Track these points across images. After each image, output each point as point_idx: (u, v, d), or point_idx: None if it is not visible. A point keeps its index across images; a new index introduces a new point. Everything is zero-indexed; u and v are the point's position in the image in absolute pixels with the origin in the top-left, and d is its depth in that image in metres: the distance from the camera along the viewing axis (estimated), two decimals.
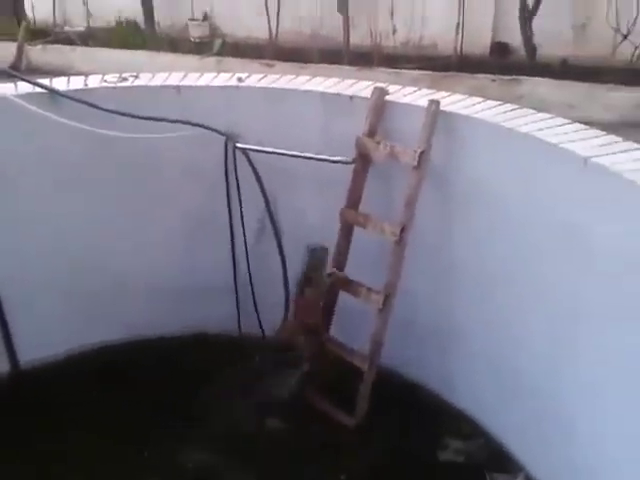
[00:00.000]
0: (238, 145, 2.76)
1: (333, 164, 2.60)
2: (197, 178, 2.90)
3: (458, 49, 6.26)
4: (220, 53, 6.62)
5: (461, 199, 2.47)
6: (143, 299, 3.03)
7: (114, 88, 2.87)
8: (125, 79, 3.00)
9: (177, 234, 3.01)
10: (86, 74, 3.06)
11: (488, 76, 5.74)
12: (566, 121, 2.32)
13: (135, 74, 3.04)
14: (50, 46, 7.08)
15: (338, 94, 2.74)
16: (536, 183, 2.17)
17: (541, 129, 2.24)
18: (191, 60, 6.45)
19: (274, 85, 2.90)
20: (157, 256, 3.00)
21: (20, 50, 6.71)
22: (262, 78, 3.00)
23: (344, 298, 2.72)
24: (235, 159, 2.80)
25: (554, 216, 2.11)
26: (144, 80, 2.97)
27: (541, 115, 2.38)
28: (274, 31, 6.65)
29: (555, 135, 2.17)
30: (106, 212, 2.90)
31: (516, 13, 5.96)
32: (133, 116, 2.65)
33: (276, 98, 2.83)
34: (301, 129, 2.74)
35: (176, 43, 6.83)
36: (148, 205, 2.94)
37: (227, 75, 3.06)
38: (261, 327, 3.04)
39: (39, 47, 6.99)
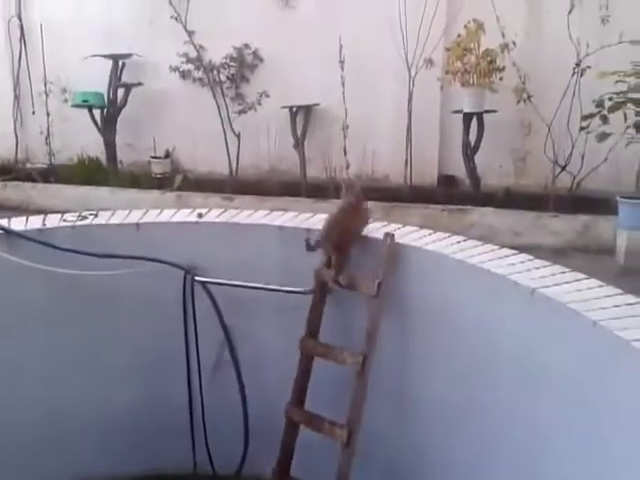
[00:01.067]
0: (197, 278, 2.76)
1: (293, 294, 2.61)
2: (155, 312, 2.86)
3: (408, 181, 6.55)
4: (181, 188, 6.78)
5: (419, 328, 2.47)
6: (94, 438, 2.88)
7: (73, 227, 2.89)
8: (84, 217, 3.03)
9: (132, 370, 2.91)
10: (45, 211, 3.08)
11: (438, 206, 5.98)
12: (514, 252, 2.40)
13: (94, 212, 3.07)
14: (10, 183, 7.14)
15: (295, 227, 2.81)
16: (488, 312, 2.20)
17: (491, 260, 2.30)
18: (153, 195, 6.57)
19: (234, 220, 2.96)
20: (110, 392, 2.88)
21: None
22: (222, 213, 3.07)
23: (306, 434, 2.62)
24: (193, 292, 2.79)
25: (507, 345, 2.12)
26: (103, 218, 2.99)
27: (490, 246, 2.46)
28: (234, 166, 6.89)
29: (503, 267, 2.23)
30: (60, 347, 2.80)
31: (460, 149, 6.33)
32: (91, 254, 2.65)
33: (235, 232, 2.87)
34: (260, 261, 2.77)
35: (138, 179, 6.98)
36: (104, 340, 2.86)
37: (187, 210, 3.11)
38: (212, 465, 2.90)
39: None
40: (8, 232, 2.74)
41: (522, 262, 2.29)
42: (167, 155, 7.26)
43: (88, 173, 7.19)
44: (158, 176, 7.09)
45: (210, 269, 2.77)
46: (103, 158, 7.38)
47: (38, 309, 2.75)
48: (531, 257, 2.34)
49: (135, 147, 7.45)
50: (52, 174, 7.32)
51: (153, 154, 7.24)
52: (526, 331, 2.05)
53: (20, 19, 7.59)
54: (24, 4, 7.59)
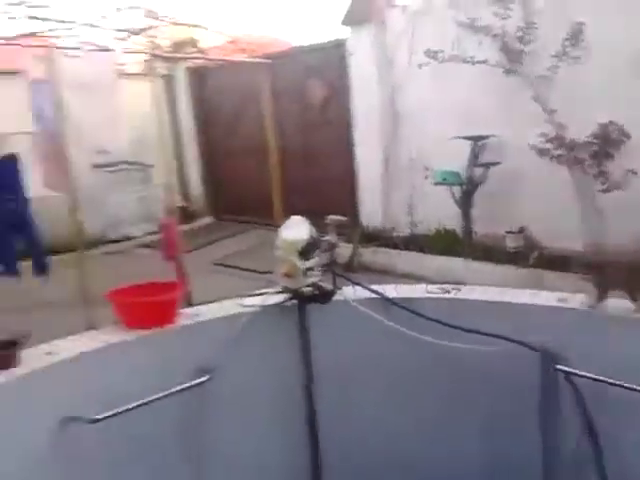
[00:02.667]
0: (558, 367, 2.60)
1: None
2: (510, 392, 2.79)
3: None
4: (535, 265, 6.59)
5: None
6: None
7: (437, 299, 3.02)
8: (448, 290, 3.15)
9: (480, 438, 2.88)
10: (408, 276, 3.29)
11: None
12: None
13: (457, 286, 3.18)
14: (379, 249, 7.86)
15: None
16: None
17: None
18: (505, 270, 6.53)
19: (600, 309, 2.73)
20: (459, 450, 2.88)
21: (354, 251, 7.59)
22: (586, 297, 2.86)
23: None
24: (553, 380, 2.64)
25: None
26: (465, 292, 3.07)
27: None
28: (596, 245, 6.44)
29: None
30: (419, 404, 2.96)
31: None
32: (457, 327, 2.73)
33: (605, 323, 2.63)
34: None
35: (491, 252, 7.02)
36: (456, 405, 2.95)
37: (549, 292, 2.99)
38: None
39: (371, 249, 7.82)
40: (383, 298, 3.00)
41: None
42: (521, 230, 7.16)
43: (445, 243, 7.51)
44: (512, 250, 7.02)
45: (573, 359, 2.59)
46: (459, 230, 7.63)
47: (403, 369, 2.92)
48: None
49: (490, 220, 7.53)
50: (413, 243, 7.84)
51: (508, 229, 7.22)
52: None
53: (392, 104, 8.44)
54: (396, 91, 8.42)
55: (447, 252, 7.25)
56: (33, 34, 5.23)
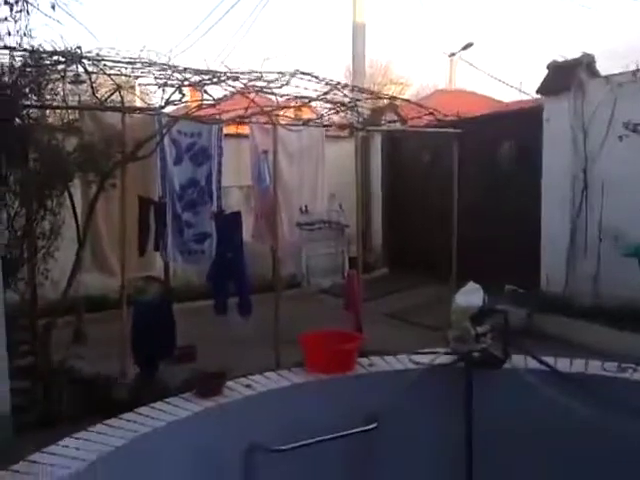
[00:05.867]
0: None
1: None
2: None
3: None
4: None
5: None
6: None
7: (613, 378, 2.86)
8: (624, 370, 2.96)
9: None
10: (586, 348, 3.12)
11: None
12: None
13: (633, 366, 2.97)
14: (558, 317, 7.43)
15: None
16: None
17: None
18: None
19: None
20: None
21: (530, 318, 7.26)
22: None
23: None
24: None
25: None
26: None
27: None
28: None
29: None
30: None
31: None
32: (630, 410, 2.55)
33: None
34: None
35: None
36: None
37: None
38: None
39: (550, 317, 7.42)
40: (554, 371, 2.90)
41: None
42: None
43: (630, 318, 6.89)
44: None
45: None
46: None
47: (567, 444, 2.81)
48: None
49: None
50: (595, 314, 7.30)
51: None
52: None
53: (585, 174, 8.03)
54: (590, 160, 8.00)
55: (632, 327, 6.63)
56: (262, 109, 5.87)
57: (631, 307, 7.10)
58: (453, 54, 17.68)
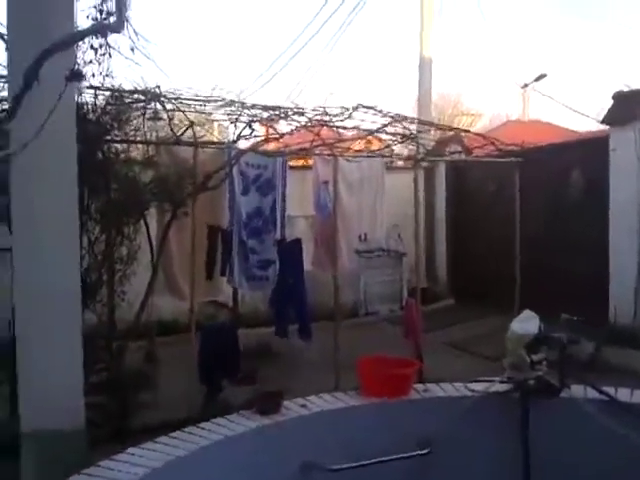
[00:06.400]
0: None
1: None
2: None
3: None
4: None
5: None
6: None
7: None
8: None
9: None
10: None
11: None
12: None
13: None
14: (627, 350, 7.13)
15: None
16: None
17: None
18: None
19: None
20: None
21: (597, 350, 6.99)
22: None
23: None
24: None
25: None
26: None
27: None
28: None
29: None
30: None
31: None
32: None
33: None
34: None
35: None
36: None
37: None
38: None
39: (618, 350, 7.13)
40: (614, 401, 2.83)
41: None
42: None
43: None
44: None
45: None
46: None
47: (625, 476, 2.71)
48: None
49: None
50: None
51: None
52: None
53: None
54: None
55: None
56: (323, 142, 6.04)
57: None
58: (526, 85, 17.40)
